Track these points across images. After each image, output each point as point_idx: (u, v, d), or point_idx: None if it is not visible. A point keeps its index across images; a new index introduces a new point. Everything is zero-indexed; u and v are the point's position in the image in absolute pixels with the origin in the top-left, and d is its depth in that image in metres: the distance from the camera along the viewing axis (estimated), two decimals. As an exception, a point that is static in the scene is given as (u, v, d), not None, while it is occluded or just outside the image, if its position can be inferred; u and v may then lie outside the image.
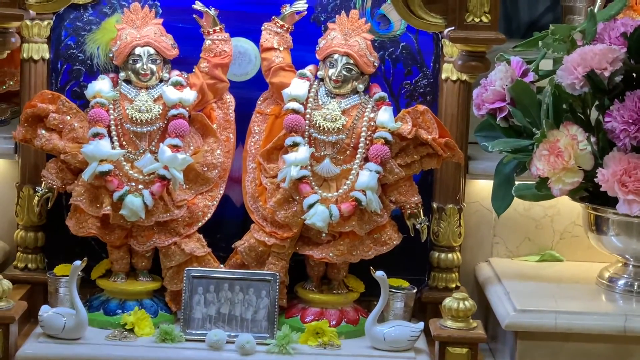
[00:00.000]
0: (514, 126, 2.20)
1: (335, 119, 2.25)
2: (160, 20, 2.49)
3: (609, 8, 2.34)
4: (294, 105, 2.22)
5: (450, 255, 2.38)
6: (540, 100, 2.17)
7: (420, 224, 2.29)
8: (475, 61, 2.16)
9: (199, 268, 2.23)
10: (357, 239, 2.26)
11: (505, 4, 3.46)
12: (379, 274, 2.19)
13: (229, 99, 2.39)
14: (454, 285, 2.40)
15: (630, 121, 2.04)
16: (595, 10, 2.47)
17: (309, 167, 2.23)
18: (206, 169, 2.31)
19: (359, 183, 2.20)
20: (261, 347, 2.15)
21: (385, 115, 2.24)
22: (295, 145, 2.19)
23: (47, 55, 2.35)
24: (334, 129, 2.23)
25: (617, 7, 2.31)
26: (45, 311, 2.17)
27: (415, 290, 2.29)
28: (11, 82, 2.80)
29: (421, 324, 2.18)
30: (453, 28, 2.10)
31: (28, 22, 2.35)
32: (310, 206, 2.19)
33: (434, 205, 2.39)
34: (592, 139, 2.09)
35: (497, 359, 2.27)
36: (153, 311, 2.25)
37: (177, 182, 2.22)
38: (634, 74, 2.15)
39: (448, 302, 2.12)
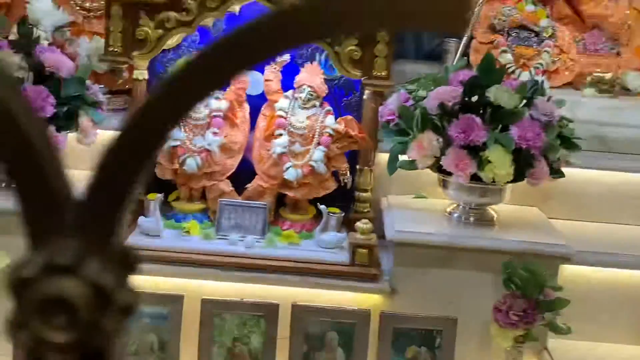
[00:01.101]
0: (400, 129, 2.26)
1: (303, 121, 2.38)
2: None
3: (456, 65, 2.45)
4: (281, 112, 2.36)
5: (365, 194, 2.43)
6: (414, 115, 2.22)
7: (346, 180, 2.40)
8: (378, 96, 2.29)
9: (227, 199, 2.36)
10: (313, 186, 2.39)
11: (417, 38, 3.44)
12: (322, 207, 2.33)
13: (246, 105, 2.47)
14: (366, 211, 2.43)
15: (461, 131, 2.14)
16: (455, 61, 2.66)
17: (287, 147, 2.34)
18: (231, 145, 2.41)
19: (314, 157, 2.35)
20: (258, 243, 2.28)
21: (330, 120, 2.38)
22: (280, 135, 2.34)
23: (146, 77, 2.37)
24: (302, 127, 2.37)
25: (459, 65, 2.41)
26: (142, 220, 2.31)
27: (342, 214, 2.38)
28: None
29: (345, 235, 2.31)
30: (366, 77, 2.20)
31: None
32: (287, 168, 2.33)
33: (357, 167, 2.42)
34: (441, 140, 2.19)
35: (386, 257, 2.32)
36: (201, 221, 2.40)
37: (215, 152, 2.35)
38: (466, 105, 2.21)
39: (359, 224, 2.23)
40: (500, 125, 2.19)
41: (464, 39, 2.85)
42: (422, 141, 2.18)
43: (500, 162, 2.13)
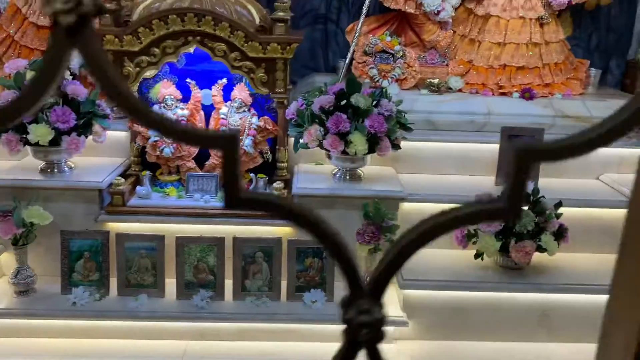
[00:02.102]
0: (298, 124, 2.40)
1: (237, 121, 2.45)
2: None
3: (332, 81, 2.51)
4: (223, 116, 2.45)
5: (282, 164, 2.54)
6: (306, 114, 2.37)
7: (268, 157, 2.52)
8: (281, 103, 2.41)
9: (192, 172, 2.44)
10: (246, 162, 2.46)
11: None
12: (252, 175, 2.45)
13: (201, 112, 2.50)
14: (284, 175, 2.54)
15: (334, 124, 2.27)
16: (342, 74, 2.81)
17: None
18: None
19: (245, 144, 2.44)
20: (213, 199, 2.38)
21: (254, 119, 2.47)
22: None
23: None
24: (236, 125, 2.45)
25: (334, 81, 2.49)
26: (139, 189, 2.41)
27: (267, 178, 2.49)
28: None
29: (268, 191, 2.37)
30: (272, 93, 2.31)
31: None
32: None
33: (277, 147, 2.50)
34: (322, 130, 2.33)
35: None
36: (177, 187, 2.47)
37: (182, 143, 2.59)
38: (337, 107, 2.32)
39: (274, 184, 2.38)
40: (359, 119, 2.40)
41: (348, 60, 3.08)
42: (310, 131, 2.41)
43: (358, 142, 2.37)
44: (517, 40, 2.96)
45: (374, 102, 2.44)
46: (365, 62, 3.02)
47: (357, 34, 3.05)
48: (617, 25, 3.48)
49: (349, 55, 3.05)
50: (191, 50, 2.39)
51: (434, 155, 2.73)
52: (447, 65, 3.11)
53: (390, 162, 2.71)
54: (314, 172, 2.63)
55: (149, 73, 2.29)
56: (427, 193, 2.50)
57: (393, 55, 2.99)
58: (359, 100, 2.38)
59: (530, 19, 2.96)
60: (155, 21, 2.12)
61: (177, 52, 2.22)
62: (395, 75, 2.97)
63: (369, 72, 2.98)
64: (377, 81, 2.97)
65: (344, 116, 2.35)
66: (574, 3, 3.03)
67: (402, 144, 2.56)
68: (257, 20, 2.25)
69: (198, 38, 2.18)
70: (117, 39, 2.14)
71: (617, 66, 3.56)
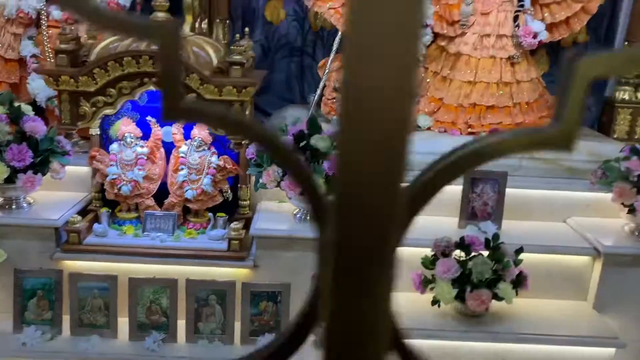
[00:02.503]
0: (258, 163, 2.37)
1: (196, 159, 2.43)
2: None
3: (295, 120, 2.46)
4: (182, 154, 2.43)
5: (244, 202, 2.54)
6: (265, 155, 2.33)
7: (227, 196, 2.51)
8: (238, 144, 2.41)
9: (150, 211, 2.43)
10: (205, 201, 2.45)
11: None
12: (210, 215, 2.42)
13: (162, 149, 2.50)
14: (246, 213, 2.54)
15: None
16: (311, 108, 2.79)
17: (187, 177, 2.41)
18: (151, 175, 2.46)
19: (204, 183, 2.43)
20: (169, 239, 2.37)
21: (214, 158, 2.43)
22: (182, 169, 2.43)
23: (98, 132, 2.48)
24: (196, 164, 2.42)
25: (295, 120, 2.43)
26: (96, 226, 2.38)
27: (227, 217, 2.47)
28: None
29: (226, 231, 2.37)
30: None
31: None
32: (187, 190, 2.40)
33: (239, 185, 2.49)
34: (281, 171, 2.28)
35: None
36: (135, 225, 2.45)
37: (140, 181, 2.41)
38: (297, 149, 2.34)
39: (232, 225, 2.35)
40: (318, 161, 2.37)
41: (317, 95, 3.07)
42: (269, 172, 2.39)
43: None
44: (487, 79, 2.95)
45: (334, 144, 2.39)
46: (334, 98, 3.01)
47: (327, 70, 3.04)
48: (594, 63, 3.46)
49: (319, 91, 3.04)
50: (152, 87, 2.39)
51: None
52: (418, 102, 3.08)
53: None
54: (275, 211, 2.59)
55: (108, 111, 2.28)
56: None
57: (362, 92, 2.97)
58: (319, 142, 2.36)
59: (501, 58, 2.95)
60: (110, 63, 2.12)
61: (134, 92, 2.22)
62: (363, 113, 2.93)
63: (338, 108, 2.95)
64: (346, 118, 2.94)
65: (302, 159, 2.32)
66: (544, 42, 3.00)
67: (367, 183, 2.53)
68: (215, 62, 2.25)
69: (154, 79, 2.17)
70: (72, 80, 2.14)
71: (595, 103, 3.54)
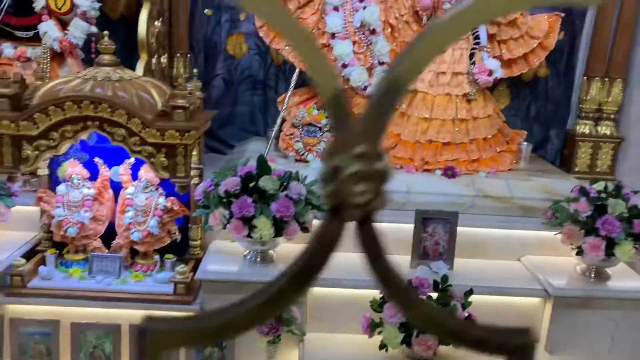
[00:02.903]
0: (205, 205, 2.33)
1: (143, 201, 2.39)
2: None
3: (242, 161, 2.41)
4: (129, 196, 2.39)
5: (195, 242, 2.52)
6: (212, 195, 2.30)
7: (176, 237, 2.44)
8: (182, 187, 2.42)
9: (97, 253, 2.40)
10: (152, 242, 2.43)
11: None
12: (156, 257, 2.43)
13: (110, 190, 2.48)
14: (197, 253, 2.52)
15: (238, 208, 2.22)
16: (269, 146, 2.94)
17: (133, 218, 2.38)
18: (99, 217, 2.44)
19: (150, 224, 2.38)
20: (115, 282, 2.33)
21: (162, 199, 2.41)
22: (128, 211, 2.40)
23: (47, 172, 2.42)
24: (142, 205, 2.39)
25: (244, 162, 2.39)
26: (41, 268, 2.35)
27: (175, 259, 2.45)
28: None
29: (172, 273, 2.35)
30: (172, 177, 2.21)
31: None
32: (133, 232, 2.39)
33: (189, 225, 2.49)
34: (227, 213, 2.26)
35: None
36: (83, 267, 2.40)
37: (86, 223, 2.38)
38: (245, 189, 2.27)
39: (177, 268, 2.32)
40: (266, 203, 2.34)
41: (275, 131, 3.07)
42: (215, 214, 2.37)
43: (264, 227, 2.31)
44: (443, 116, 2.96)
45: (284, 185, 2.39)
46: (292, 134, 3.01)
47: (284, 107, 3.05)
48: (555, 96, 3.51)
49: (276, 127, 3.05)
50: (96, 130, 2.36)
51: (353, 234, 2.67)
52: (376, 137, 3.08)
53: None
54: (226, 251, 2.54)
55: (53, 154, 2.26)
56: (336, 278, 2.43)
57: (320, 128, 2.98)
58: (267, 183, 2.35)
59: (457, 96, 2.97)
60: (51, 107, 2.11)
61: (77, 136, 2.19)
62: (320, 149, 2.95)
63: (295, 145, 2.97)
64: (303, 155, 2.95)
65: (249, 200, 2.32)
66: (499, 79, 3.04)
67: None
68: (159, 105, 2.23)
69: (97, 123, 2.16)
70: (13, 124, 2.12)
71: (557, 136, 3.58)
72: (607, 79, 3.37)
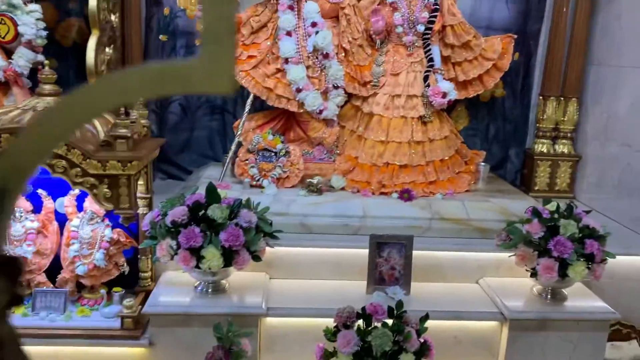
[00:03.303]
0: (152, 235, 2.27)
1: (89, 233, 2.34)
2: None
3: (191, 190, 2.39)
4: (74, 228, 2.32)
5: (145, 274, 2.46)
6: (159, 226, 2.25)
7: (124, 269, 2.41)
8: (127, 219, 2.38)
9: (39, 288, 2.29)
10: (98, 276, 2.34)
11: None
12: (102, 291, 2.34)
13: (55, 222, 2.40)
14: (148, 285, 2.45)
15: (185, 239, 2.16)
16: (224, 172, 3.05)
17: (78, 251, 2.31)
18: (43, 250, 2.35)
19: (96, 257, 2.33)
20: (59, 318, 2.24)
21: (108, 231, 2.37)
22: (74, 243, 2.33)
23: None
24: (88, 237, 2.34)
25: (192, 190, 2.36)
26: None
27: (123, 292, 2.38)
28: None
29: (120, 307, 2.28)
30: (115, 209, 2.16)
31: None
32: (78, 266, 2.32)
33: (139, 257, 2.42)
34: (175, 244, 2.20)
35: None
36: (26, 303, 2.29)
37: (29, 258, 2.29)
38: (195, 219, 2.26)
39: (124, 302, 2.24)
40: (215, 232, 2.28)
41: (229, 157, 3.03)
42: (162, 244, 2.30)
43: (212, 257, 2.25)
44: (399, 139, 2.95)
45: (234, 213, 2.34)
46: (247, 160, 2.97)
47: (239, 131, 3.02)
48: (513, 116, 3.53)
49: (231, 152, 3.02)
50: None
51: (308, 260, 2.63)
52: (334, 161, 3.08)
53: (265, 267, 2.60)
54: (177, 282, 2.48)
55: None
56: (290, 307, 2.40)
57: (275, 153, 2.95)
58: (215, 212, 2.30)
59: (412, 118, 2.96)
60: (-13, 139, 2.04)
61: None
62: (275, 175, 2.92)
63: (250, 170, 2.93)
64: (258, 180, 2.92)
65: (197, 230, 2.26)
66: (456, 100, 3.05)
67: (277, 248, 2.49)
68: (102, 135, 2.18)
69: (36, 154, 2.09)
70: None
71: (516, 155, 3.59)
72: (562, 98, 3.41)
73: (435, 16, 2.91)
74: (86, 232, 2.37)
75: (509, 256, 2.45)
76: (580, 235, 2.34)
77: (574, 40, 3.30)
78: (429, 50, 2.96)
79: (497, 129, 3.53)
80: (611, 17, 3.22)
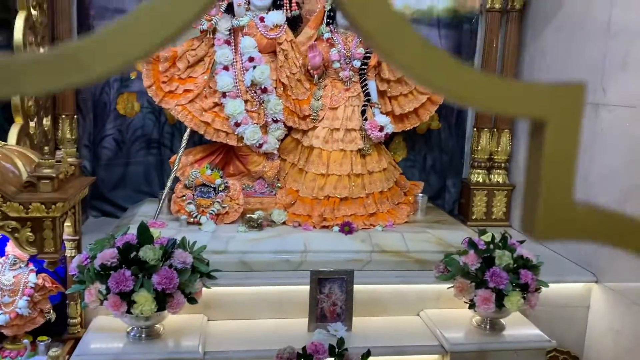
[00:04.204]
0: (80, 280, 2.17)
1: (10, 279, 2.21)
2: None
3: (122, 231, 2.30)
4: None
5: (74, 320, 2.33)
6: (87, 269, 2.15)
7: (50, 316, 2.28)
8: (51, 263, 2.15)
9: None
10: (21, 325, 2.21)
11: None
12: (25, 341, 2.22)
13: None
14: (77, 332, 2.34)
15: (115, 282, 2.07)
16: (158, 210, 2.98)
17: None
18: None
19: (19, 305, 2.20)
20: None
21: (32, 276, 2.23)
22: None
23: None
24: (9, 284, 2.20)
25: (122, 232, 2.28)
26: None
27: (49, 340, 2.24)
28: None
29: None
30: (39, 253, 2.05)
31: None
32: None
33: (67, 302, 2.32)
34: (105, 288, 2.10)
35: None
36: None
37: None
38: (126, 261, 2.16)
39: (50, 352, 2.11)
40: (147, 274, 2.19)
41: (165, 193, 2.94)
42: (91, 289, 2.19)
43: (144, 302, 2.15)
44: (339, 172, 2.96)
45: (168, 254, 2.25)
46: (184, 196, 2.89)
47: (176, 167, 2.94)
48: (449, 147, 3.61)
49: (166, 188, 2.93)
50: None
51: (249, 300, 2.57)
52: (275, 195, 3.05)
53: (202, 308, 2.52)
54: (110, 328, 2.35)
55: None
56: (228, 350, 2.34)
57: (214, 189, 2.89)
58: (147, 254, 2.20)
59: (351, 151, 2.98)
60: None
61: None
62: (214, 211, 2.85)
63: (187, 207, 2.85)
64: (195, 217, 2.84)
65: (128, 273, 2.16)
66: (393, 132, 3.09)
67: (215, 289, 2.41)
68: (24, 176, 2.06)
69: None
70: None
71: (453, 185, 3.67)
72: (495, 130, 3.52)
73: (370, 52, 2.96)
74: (8, 278, 2.23)
75: (448, 288, 2.47)
76: (515, 265, 2.39)
77: (504, 74, 3.42)
78: (366, 84, 3.01)
79: (434, 160, 3.60)
80: (538, 52, 3.37)
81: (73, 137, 3.16)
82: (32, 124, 2.80)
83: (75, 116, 3.19)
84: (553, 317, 2.76)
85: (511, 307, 2.36)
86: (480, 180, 3.54)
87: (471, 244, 2.47)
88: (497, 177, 3.55)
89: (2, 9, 2.82)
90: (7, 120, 2.72)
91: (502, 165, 3.56)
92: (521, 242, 2.53)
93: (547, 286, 2.44)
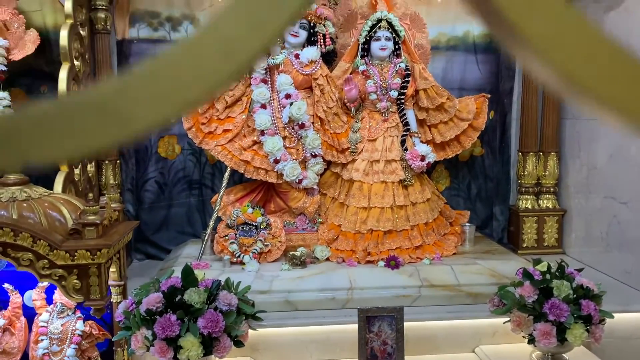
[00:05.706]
0: (127, 326, 2.16)
1: (59, 327, 2.21)
2: None
3: (167, 274, 2.27)
4: (42, 323, 2.18)
5: None
6: (133, 315, 2.16)
7: None
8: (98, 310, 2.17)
9: None
10: None
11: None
12: None
13: (22, 318, 2.26)
14: None
15: (160, 329, 2.05)
16: (202, 249, 2.92)
17: (48, 348, 2.18)
18: (10, 349, 2.22)
19: (67, 354, 2.19)
20: None
21: (79, 324, 2.24)
22: (42, 340, 2.17)
23: None
24: (58, 332, 2.20)
25: (168, 274, 2.26)
26: None
27: None
28: None
29: None
30: (86, 300, 2.02)
31: None
32: None
33: (114, 349, 2.25)
34: (151, 333, 2.09)
35: None
36: None
37: None
38: (171, 305, 2.15)
39: None
40: (192, 318, 2.15)
41: (208, 233, 2.93)
42: (137, 335, 2.16)
43: (191, 347, 2.11)
44: (381, 204, 2.89)
45: (213, 296, 2.22)
46: (227, 235, 2.88)
47: (217, 206, 2.94)
48: (494, 173, 3.51)
49: (209, 229, 2.92)
50: None
51: (296, 340, 2.50)
52: (316, 231, 3.00)
53: (249, 351, 2.47)
54: None
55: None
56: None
57: (256, 227, 2.86)
58: (192, 297, 2.17)
59: (393, 182, 2.91)
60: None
61: (-21, 263, 1.99)
62: (256, 250, 2.81)
63: (230, 247, 2.82)
64: (238, 257, 2.81)
65: (174, 318, 2.13)
66: (435, 162, 3.02)
67: (260, 330, 2.35)
68: (70, 224, 2.07)
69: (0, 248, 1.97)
70: None
71: (501, 213, 3.54)
72: (541, 153, 3.40)
73: (407, 81, 2.91)
74: (56, 326, 2.22)
75: (504, 322, 2.33)
76: (575, 296, 2.24)
77: (546, 96, 3.33)
78: (404, 114, 2.96)
79: (479, 188, 3.49)
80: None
81: (116, 182, 3.20)
82: (76, 170, 2.85)
83: (118, 161, 3.23)
84: (619, 350, 2.58)
85: (575, 342, 2.21)
86: (529, 207, 3.41)
87: (526, 274, 2.34)
88: (547, 202, 3.41)
89: (47, 63, 2.93)
90: (52, 169, 2.77)
91: (551, 189, 3.42)
92: (579, 270, 2.38)
93: (612, 317, 2.28)
